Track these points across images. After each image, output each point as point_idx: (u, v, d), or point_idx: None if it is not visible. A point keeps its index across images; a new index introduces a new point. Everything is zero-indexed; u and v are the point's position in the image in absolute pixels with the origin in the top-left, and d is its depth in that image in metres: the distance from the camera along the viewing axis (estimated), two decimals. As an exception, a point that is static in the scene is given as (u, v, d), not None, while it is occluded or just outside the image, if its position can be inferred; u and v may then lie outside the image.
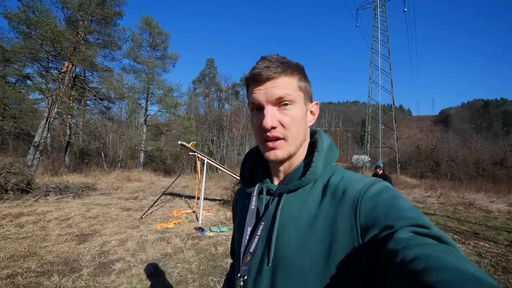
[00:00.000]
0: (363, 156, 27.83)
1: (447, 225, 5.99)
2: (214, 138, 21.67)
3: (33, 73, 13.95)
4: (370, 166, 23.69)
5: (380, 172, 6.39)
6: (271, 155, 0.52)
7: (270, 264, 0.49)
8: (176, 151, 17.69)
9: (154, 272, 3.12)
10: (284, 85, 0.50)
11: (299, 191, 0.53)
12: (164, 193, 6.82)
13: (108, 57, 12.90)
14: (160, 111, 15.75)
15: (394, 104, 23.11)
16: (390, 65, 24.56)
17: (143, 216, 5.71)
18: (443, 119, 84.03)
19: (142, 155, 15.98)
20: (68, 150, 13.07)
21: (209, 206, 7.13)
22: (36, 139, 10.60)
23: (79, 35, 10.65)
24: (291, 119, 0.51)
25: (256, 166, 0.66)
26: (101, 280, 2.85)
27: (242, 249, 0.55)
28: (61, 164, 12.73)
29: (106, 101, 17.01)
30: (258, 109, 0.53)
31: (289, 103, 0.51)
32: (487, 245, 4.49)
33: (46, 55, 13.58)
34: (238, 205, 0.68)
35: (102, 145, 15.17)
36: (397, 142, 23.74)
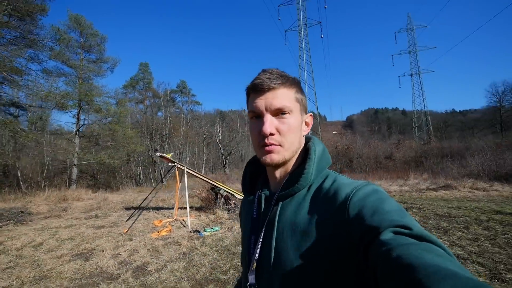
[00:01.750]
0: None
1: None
2: (158, 147, 20.58)
3: None
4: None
5: None
6: (267, 158, 0.56)
7: (272, 269, 0.52)
8: (115, 164, 16.11)
9: (187, 266, 3.68)
10: (283, 96, 0.55)
11: (294, 197, 0.56)
12: (140, 207, 6.82)
13: (35, 60, 10.80)
14: (98, 120, 13.89)
15: (319, 112, 27.77)
16: (313, 79, 29.37)
17: (127, 230, 5.72)
18: (349, 124, 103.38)
19: (75, 170, 13.72)
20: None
21: (185, 213, 7.47)
22: None
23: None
24: (288, 127, 0.55)
25: (256, 174, 0.71)
26: (147, 279, 3.26)
27: (248, 257, 0.58)
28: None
29: (13, 107, 14.01)
30: (257, 117, 0.57)
31: (287, 112, 0.56)
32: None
33: None
34: (243, 212, 0.71)
35: (16, 161, 12.30)
36: (321, 144, 28.51)
